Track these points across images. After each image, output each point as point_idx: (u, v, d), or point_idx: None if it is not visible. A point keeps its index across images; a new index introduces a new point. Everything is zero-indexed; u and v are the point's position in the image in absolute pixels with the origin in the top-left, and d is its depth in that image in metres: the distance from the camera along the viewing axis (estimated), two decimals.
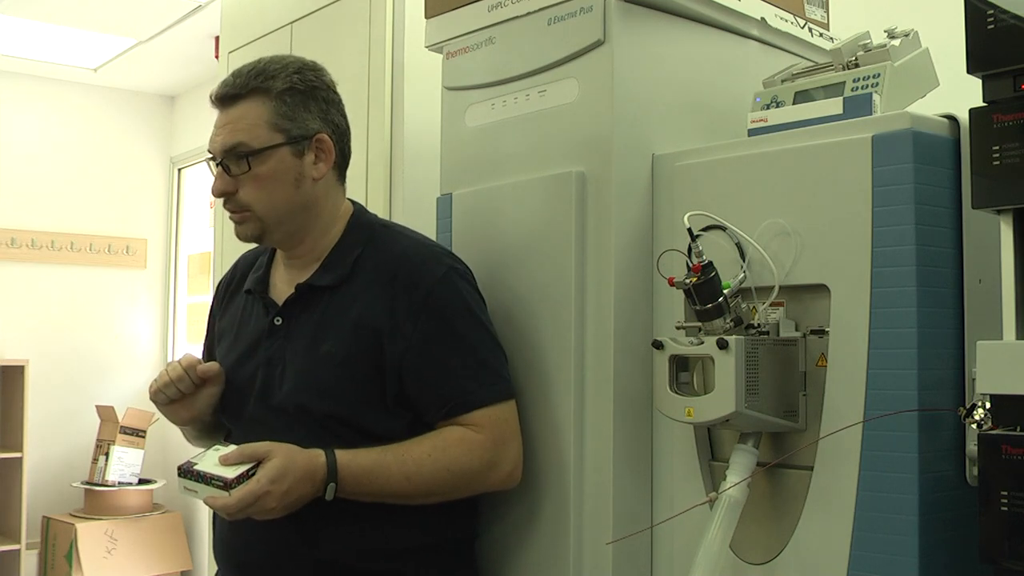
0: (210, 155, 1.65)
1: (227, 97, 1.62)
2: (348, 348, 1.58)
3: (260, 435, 1.55)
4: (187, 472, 1.51)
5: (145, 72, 5.13)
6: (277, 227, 1.63)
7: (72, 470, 5.03)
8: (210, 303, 1.88)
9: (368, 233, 1.68)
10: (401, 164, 2.43)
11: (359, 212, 1.73)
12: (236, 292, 1.79)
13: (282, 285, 1.69)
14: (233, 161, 1.60)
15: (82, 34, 4.56)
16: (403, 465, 1.53)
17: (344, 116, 1.70)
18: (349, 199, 1.74)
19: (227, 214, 1.66)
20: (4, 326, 5.01)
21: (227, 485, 1.46)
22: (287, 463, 1.47)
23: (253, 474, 1.47)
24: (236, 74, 1.63)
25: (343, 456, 1.51)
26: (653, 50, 1.67)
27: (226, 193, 1.62)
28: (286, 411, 1.59)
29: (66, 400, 5.09)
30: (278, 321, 1.65)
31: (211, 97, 1.65)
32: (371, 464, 1.52)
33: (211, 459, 1.51)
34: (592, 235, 1.64)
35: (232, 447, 1.52)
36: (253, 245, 1.77)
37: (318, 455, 1.50)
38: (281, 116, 1.60)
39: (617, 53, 1.62)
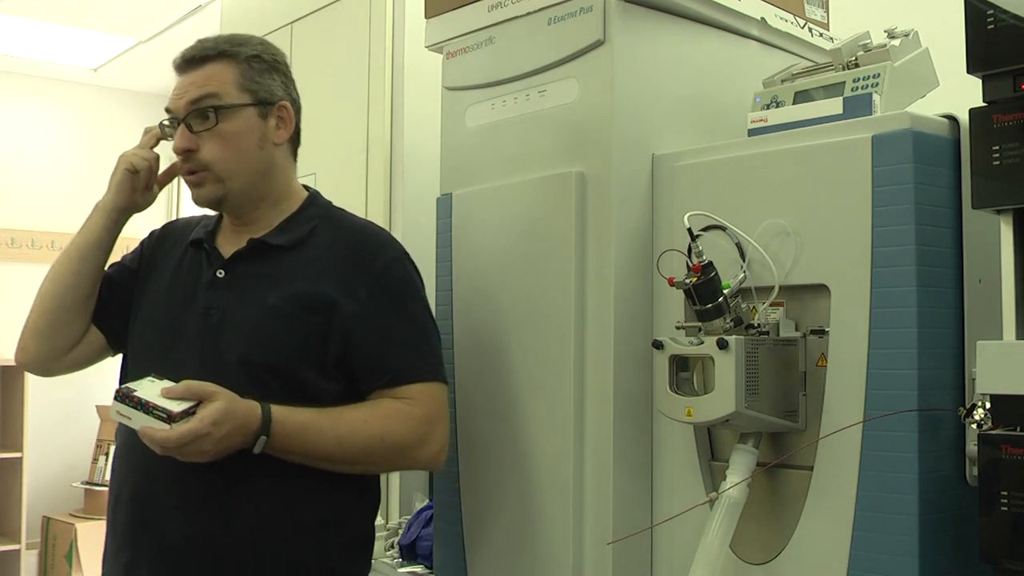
0: (168, 116, 1.66)
1: (195, 59, 1.65)
2: (295, 306, 1.59)
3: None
4: (127, 397, 1.46)
5: (145, 72, 5.13)
6: (236, 189, 1.65)
7: (72, 470, 5.03)
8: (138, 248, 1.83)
9: (324, 212, 1.73)
10: (401, 164, 2.43)
11: (315, 194, 1.77)
12: (168, 246, 1.77)
13: (228, 245, 1.70)
14: (197, 118, 1.62)
15: (82, 34, 4.56)
16: (337, 428, 1.54)
17: (298, 95, 1.74)
18: (304, 185, 1.77)
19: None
20: (4, 326, 4.99)
21: (170, 418, 1.42)
22: (229, 408, 1.46)
23: (194, 412, 1.44)
24: (202, 40, 1.67)
25: (278, 412, 1.50)
26: (653, 50, 1.67)
27: (188, 150, 1.63)
28: (224, 361, 1.57)
29: (66, 400, 5.09)
30: (220, 274, 1.65)
31: (175, 62, 1.67)
32: (305, 423, 1.53)
33: (150, 389, 1.47)
34: (592, 235, 1.63)
35: (168, 382, 1.48)
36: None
37: (255, 407, 1.49)
38: (248, 79, 1.65)
39: (617, 53, 1.62)
